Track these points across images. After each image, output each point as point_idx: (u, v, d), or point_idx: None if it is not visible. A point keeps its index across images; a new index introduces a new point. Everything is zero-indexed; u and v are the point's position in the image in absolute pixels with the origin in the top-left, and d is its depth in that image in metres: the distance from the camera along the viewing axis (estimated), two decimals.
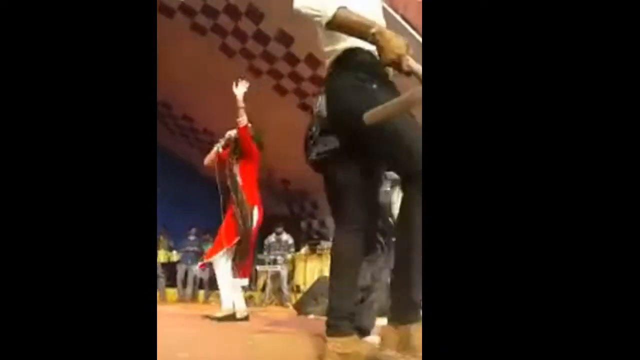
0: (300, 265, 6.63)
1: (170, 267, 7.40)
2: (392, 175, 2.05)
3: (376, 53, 1.16)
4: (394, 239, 1.73)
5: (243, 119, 2.98)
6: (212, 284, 7.43)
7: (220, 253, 2.92)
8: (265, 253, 6.45)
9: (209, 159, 3.30)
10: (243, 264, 2.91)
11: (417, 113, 0.99)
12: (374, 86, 1.28)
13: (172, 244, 7.61)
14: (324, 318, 2.96)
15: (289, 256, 6.46)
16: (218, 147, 3.23)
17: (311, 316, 3.61)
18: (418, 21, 3.92)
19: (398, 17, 3.98)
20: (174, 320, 2.93)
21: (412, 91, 0.97)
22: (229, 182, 3.04)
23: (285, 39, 5.03)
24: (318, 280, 4.37)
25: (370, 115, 1.08)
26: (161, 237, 7.51)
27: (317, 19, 1.25)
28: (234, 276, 2.89)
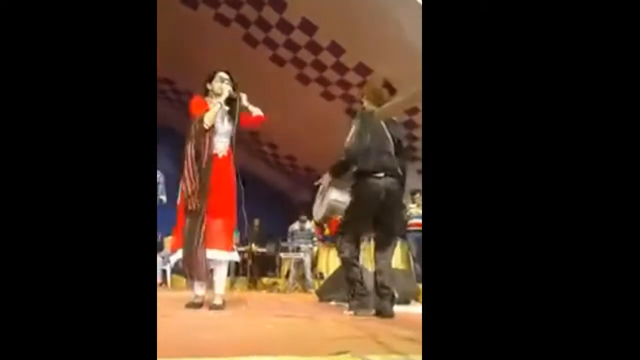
0: (323, 253, 6.69)
1: None
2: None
3: None
4: None
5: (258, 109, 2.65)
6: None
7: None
8: (289, 240, 6.54)
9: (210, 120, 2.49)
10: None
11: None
12: None
13: None
14: (345, 304, 3.12)
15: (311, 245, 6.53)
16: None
17: (332, 302, 3.66)
18: None
19: None
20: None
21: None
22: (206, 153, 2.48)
23: (309, 27, 5.02)
24: (340, 267, 4.40)
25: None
26: None
27: None
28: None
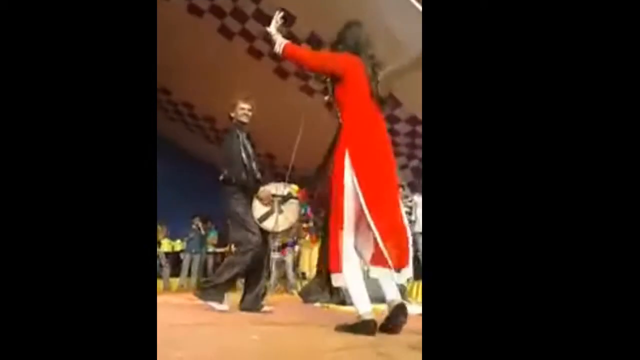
0: (305, 252, 6.54)
1: (175, 256, 7.35)
2: None
3: None
4: None
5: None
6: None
7: None
8: (270, 240, 6.38)
9: None
10: None
11: None
12: None
13: (169, 232, 7.51)
14: (332, 305, 2.96)
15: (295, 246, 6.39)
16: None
17: (317, 304, 3.51)
18: None
19: None
20: (176, 312, 2.84)
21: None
22: None
23: (287, 18, 4.85)
24: (323, 268, 4.26)
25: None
26: (158, 227, 7.43)
27: None
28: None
